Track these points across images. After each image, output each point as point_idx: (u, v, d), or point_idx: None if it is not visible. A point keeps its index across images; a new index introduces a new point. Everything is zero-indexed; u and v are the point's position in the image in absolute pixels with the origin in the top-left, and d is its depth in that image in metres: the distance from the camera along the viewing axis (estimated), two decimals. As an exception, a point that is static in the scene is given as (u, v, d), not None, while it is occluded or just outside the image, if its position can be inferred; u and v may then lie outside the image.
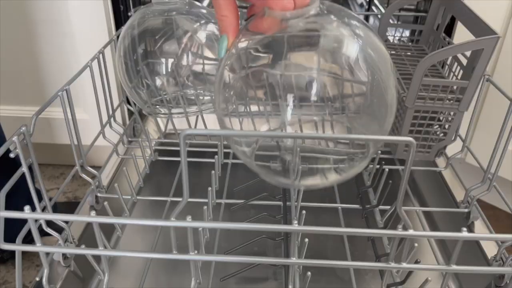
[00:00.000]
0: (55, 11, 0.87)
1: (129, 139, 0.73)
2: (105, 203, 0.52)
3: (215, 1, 0.39)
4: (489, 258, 0.53)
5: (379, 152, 0.60)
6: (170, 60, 0.64)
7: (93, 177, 0.59)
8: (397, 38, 0.84)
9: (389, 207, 0.56)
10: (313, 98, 0.40)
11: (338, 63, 0.40)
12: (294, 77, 0.40)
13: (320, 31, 0.39)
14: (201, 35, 0.65)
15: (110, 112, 0.66)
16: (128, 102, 0.78)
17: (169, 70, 0.64)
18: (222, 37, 0.40)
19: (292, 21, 0.38)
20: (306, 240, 0.43)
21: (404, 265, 0.37)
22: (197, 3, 0.66)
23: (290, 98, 0.40)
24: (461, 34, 0.77)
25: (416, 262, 0.44)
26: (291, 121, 0.42)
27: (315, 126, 0.44)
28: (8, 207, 0.36)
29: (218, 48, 0.40)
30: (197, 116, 0.69)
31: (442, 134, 0.63)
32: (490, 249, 0.55)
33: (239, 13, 0.39)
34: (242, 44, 0.40)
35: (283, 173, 0.44)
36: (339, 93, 0.40)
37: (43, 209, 0.48)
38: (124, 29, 0.64)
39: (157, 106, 0.67)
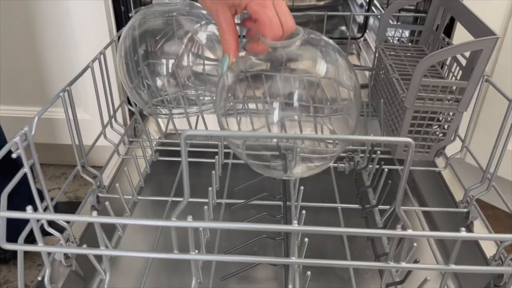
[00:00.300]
0: (55, 11, 0.87)
1: (130, 139, 0.74)
2: (106, 203, 0.52)
3: (220, 27, 0.48)
4: (488, 257, 0.54)
5: (379, 152, 0.60)
6: (171, 61, 0.64)
7: (94, 177, 0.60)
8: (396, 38, 0.84)
9: (388, 207, 0.56)
10: (295, 104, 0.52)
11: (312, 77, 0.51)
12: (281, 88, 0.51)
13: (300, 56, 0.50)
14: (202, 36, 0.65)
15: (111, 112, 0.66)
16: (129, 103, 0.79)
17: (170, 70, 0.64)
18: (224, 56, 0.49)
19: (280, 48, 0.48)
20: (306, 239, 0.43)
21: (403, 264, 0.38)
22: (197, 4, 0.67)
23: (276, 103, 0.52)
24: (461, 34, 0.77)
25: (415, 261, 0.44)
26: (277, 121, 0.53)
27: (299, 125, 0.55)
28: (10, 207, 0.37)
29: (221, 65, 0.49)
30: (198, 116, 0.69)
31: (441, 134, 0.63)
32: (489, 249, 0.55)
33: (239, 37, 0.49)
34: (241, 65, 0.51)
35: (272, 165, 0.54)
36: (313, 98, 0.52)
37: (45, 209, 0.48)
38: (125, 30, 0.65)
39: (158, 107, 0.67)
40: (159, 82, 0.65)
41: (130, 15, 0.81)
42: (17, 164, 0.42)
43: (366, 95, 0.88)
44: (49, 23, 0.90)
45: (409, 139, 0.31)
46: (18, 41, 0.93)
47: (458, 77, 0.64)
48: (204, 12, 0.66)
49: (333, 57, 0.51)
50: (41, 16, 0.89)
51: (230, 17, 0.47)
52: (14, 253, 0.85)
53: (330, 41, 0.52)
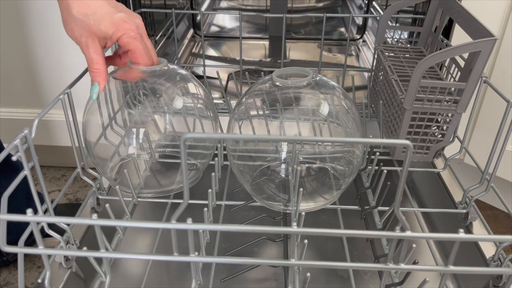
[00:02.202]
0: (53, 13, 0.87)
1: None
2: (107, 205, 0.52)
3: (89, 58, 0.51)
4: (487, 258, 0.54)
5: (378, 153, 0.61)
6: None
7: (94, 179, 0.60)
8: (395, 40, 0.84)
9: (388, 207, 0.56)
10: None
11: (317, 118, 0.58)
12: (287, 127, 0.58)
13: (305, 97, 0.57)
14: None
15: (111, 114, 0.66)
16: (129, 106, 0.79)
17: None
18: (94, 84, 0.52)
19: (285, 90, 0.55)
20: (306, 241, 0.44)
21: (402, 266, 0.38)
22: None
23: (285, 144, 0.60)
24: (459, 36, 0.77)
25: (414, 262, 0.44)
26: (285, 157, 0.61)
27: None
28: (8, 207, 0.37)
29: (91, 93, 0.52)
30: (195, 120, 0.69)
31: (440, 135, 0.63)
32: (488, 249, 0.55)
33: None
34: (248, 101, 0.58)
35: (277, 199, 0.58)
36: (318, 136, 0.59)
37: (45, 212, 0.48)
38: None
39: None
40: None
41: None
42: (16, 165, 0.42)
43: (365, 96, 0.89)
44: (46, 25, 0.90)
45: (407, 141, 0.31)
46: (14, 43, 0.93)
47: (457, 79, 0.64)
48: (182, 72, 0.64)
49: (335, 99, 0.57)
50: (38, 18, 0.89)
51: (100, 48, 0.51)
52: (15, 255, 0.86)
53: (335, 84, 0.58)
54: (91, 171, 0.59)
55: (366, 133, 0.74)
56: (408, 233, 0.34)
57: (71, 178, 0.55)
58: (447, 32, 0.79)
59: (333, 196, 0.59)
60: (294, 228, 0.35)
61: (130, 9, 0.82)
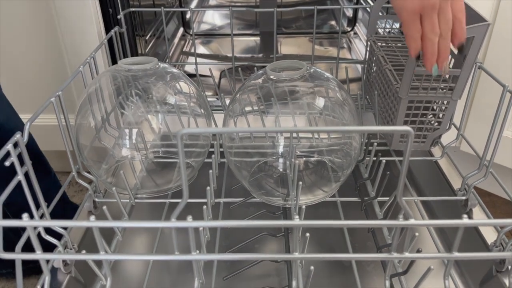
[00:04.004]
0: (42, 15, 0.86)
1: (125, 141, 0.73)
2: (104, 207, 0.51)
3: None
4: (489, 244, 0.54)
5: (375, 144, 0.60)
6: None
7: (90, 182, 0.59)
8: (387, 30, 0.84)
9: (387, 198, 0.56)
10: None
11: (312, 110, 0.57)
12: (282, 121, 0.57)
13: (299, 90, 0.56)
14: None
15: (104, 116, 0.65)
16: (122, 107, 0.78)
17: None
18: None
19: (279, 83, 0.54)
20: (308, 234, 0.43)
21: (407, 254, 0.37)
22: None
23: (281, 136, 0.60)
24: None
25: (418, 251, 0.44)
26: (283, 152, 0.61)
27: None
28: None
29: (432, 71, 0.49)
30: (189, 118, 0.69)
31: (436, 123, 0.63)
32: (489, 235, 0.55)
33: None
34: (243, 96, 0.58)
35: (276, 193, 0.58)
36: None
37: (41, 216, 0.47)
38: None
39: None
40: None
41: (118, 17, 0.80)
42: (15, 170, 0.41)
43: (359, 88, 0.88)
44: (36, 27, 0.89)
45: (407, 128, 0.30)
46: (15, 46, 0.92)
47: (451, 65, 0.64)
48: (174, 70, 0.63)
49: (330, 91, 0.56)
50: (28, 20, 0.88)
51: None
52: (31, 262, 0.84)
53: (330, 75, 0.58)
54: (86, 174, 0.58)
55: (362, 124, 0.73)
56: (412, 221, 0.34)
57: (66, 182, 0.54)
58: (439, 20, 0.79)
59: (332, 188, 0.59)
60: (296, 221, 0.35)
61: (118, 8, 0.81)
